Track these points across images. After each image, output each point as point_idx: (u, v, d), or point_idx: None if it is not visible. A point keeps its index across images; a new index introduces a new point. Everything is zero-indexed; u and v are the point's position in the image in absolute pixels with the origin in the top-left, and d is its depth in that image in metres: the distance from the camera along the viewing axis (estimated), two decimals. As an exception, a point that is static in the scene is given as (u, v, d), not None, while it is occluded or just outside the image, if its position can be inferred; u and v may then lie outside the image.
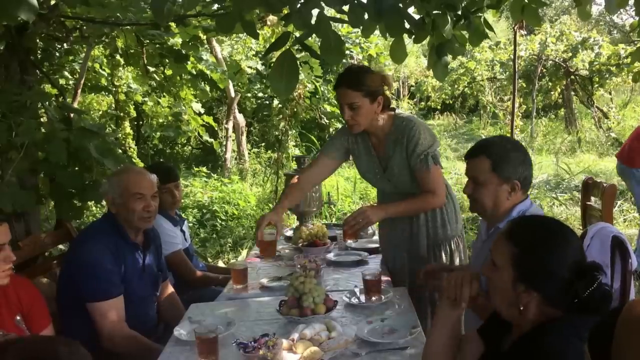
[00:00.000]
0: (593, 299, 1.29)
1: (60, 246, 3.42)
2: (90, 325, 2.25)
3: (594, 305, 1.29)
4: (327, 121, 10.37)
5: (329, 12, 2.57)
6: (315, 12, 1.97)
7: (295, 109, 7.58)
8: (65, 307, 2.38)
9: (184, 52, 4.18)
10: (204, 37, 4.36)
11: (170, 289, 2.75)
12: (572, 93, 12.69)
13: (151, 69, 4.58)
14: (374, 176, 2.72)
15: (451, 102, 16.53)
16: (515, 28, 7.30)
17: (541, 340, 1.30)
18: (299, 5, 1.93)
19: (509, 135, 8.77)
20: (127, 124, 8.95)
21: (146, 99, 8.26)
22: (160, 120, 8.69)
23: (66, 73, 6.10)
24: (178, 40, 4.32)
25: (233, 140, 9.04)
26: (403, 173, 2.59)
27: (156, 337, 2.42)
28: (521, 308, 1.36)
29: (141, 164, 6.82)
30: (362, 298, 2.30)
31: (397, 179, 2.62)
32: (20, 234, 2.82)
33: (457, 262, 2.67)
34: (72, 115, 3.13)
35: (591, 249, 2.10)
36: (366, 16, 2.11)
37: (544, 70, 12.40)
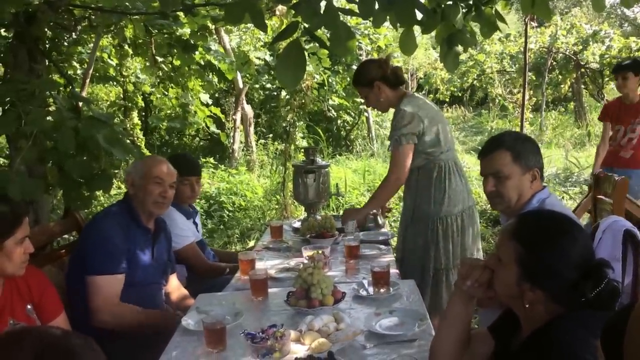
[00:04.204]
0: (600, 297, 1.27)
1: (66, 235, 3.43)
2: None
3: (601, 303, 1.27)
4: (334, 113, 10.34)
5: (339, 2, 2.55)
6: (323, 3, 1.94)
7: (303, 101, 7.54)
8: (73, 291, 2.39)
9: (192, 42, 4.16)
10: (213, 26, 4.34)
11: (177, 282, 2.76)
12: (582, 86, 12.59)
13: (159, 59, 4.57)
14: None
15: (460, 94, 16.44)
16: (526, 20, 7.23)
17: (550, 336, 1.29)
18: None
19: (518, 128, 8.71)
20: (135, 114, 8.97)
21: (154, 89, 8.26)
22: (168, 112, 8.70)
23: (74, 63, 6.09)
24: (186, 30, 4.30)
25: (241, 131, 9.03)
26: None
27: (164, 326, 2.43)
28: (526, 306, 1.35)
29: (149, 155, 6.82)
30: (371, 290, 2.29)
31: None
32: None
33: (451, 241, 2.89)
34: (80, 104, 3.12)
35: (603, 243, 2.08)
36: (376, 6, 2.09)
37: (554, 63, 12.30)
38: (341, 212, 6.13)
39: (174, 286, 2.73)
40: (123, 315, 2.31)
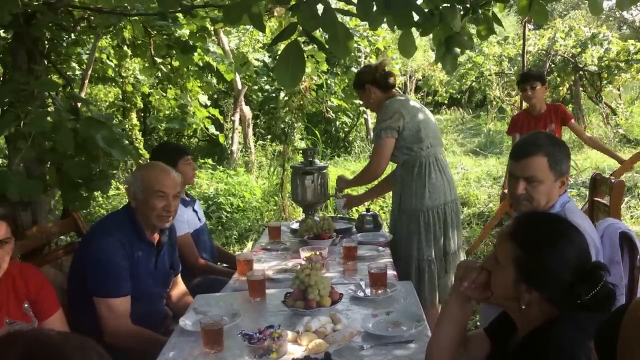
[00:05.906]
0: (596, 299, 1.28)
1: (63, 237, 3.43)
2: (97, 320, 2.25)
3: (597, 305, 1.28)
4: (333, 115, 10.33)
5: (337, 4, 2.56)
6: (321, 6, 1.94)
7: (301, 102, 7.55)
8: (74, 300, 2.37)
9: (191, 43, 4.17)
10: (211, 28, 4.35)
11: (181, 284, 2.74)
12: (581, 89, 12.57)
13: (158, 60, 4.57)
14: None
15: (458, 96, 16.45)
16: (524, 22, 7.25)
17: (546, 338, 1.30)
18: (306, -4, 1.91)
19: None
20: (133, 115, 8.96)
21: (152, 90, 8.26)
22: (167, 112, 8.70)
23: (73, 63, 6.09)
24: (185, 31, 4.30)
25: (239, 132, 9.04)
26: None
27: (164, 330, 2.42)
28: (523, 307, 1.36)
29: (147, 156, 6.83)
30: (368, 291, 2.30)
31: None
32: (27, 223, 2.83)
33: (433, 232, 3.05)
34: (79, 105, 3.13)
35: (603, 247, 2.08)
36: (374, 8, 2.09)
37: (553, 65, 12.30)
38: (339, 214, 6.15)
39: (177, 289, 2.71)
40: (132, 337, 2.25)
